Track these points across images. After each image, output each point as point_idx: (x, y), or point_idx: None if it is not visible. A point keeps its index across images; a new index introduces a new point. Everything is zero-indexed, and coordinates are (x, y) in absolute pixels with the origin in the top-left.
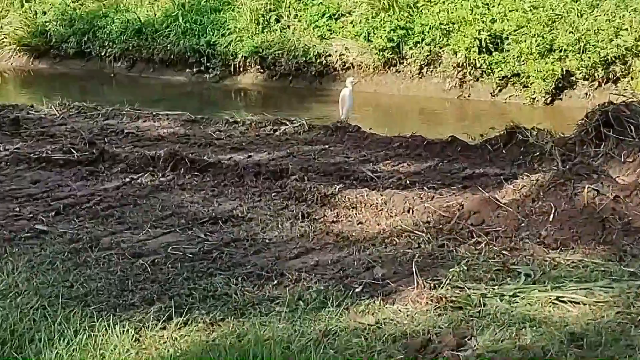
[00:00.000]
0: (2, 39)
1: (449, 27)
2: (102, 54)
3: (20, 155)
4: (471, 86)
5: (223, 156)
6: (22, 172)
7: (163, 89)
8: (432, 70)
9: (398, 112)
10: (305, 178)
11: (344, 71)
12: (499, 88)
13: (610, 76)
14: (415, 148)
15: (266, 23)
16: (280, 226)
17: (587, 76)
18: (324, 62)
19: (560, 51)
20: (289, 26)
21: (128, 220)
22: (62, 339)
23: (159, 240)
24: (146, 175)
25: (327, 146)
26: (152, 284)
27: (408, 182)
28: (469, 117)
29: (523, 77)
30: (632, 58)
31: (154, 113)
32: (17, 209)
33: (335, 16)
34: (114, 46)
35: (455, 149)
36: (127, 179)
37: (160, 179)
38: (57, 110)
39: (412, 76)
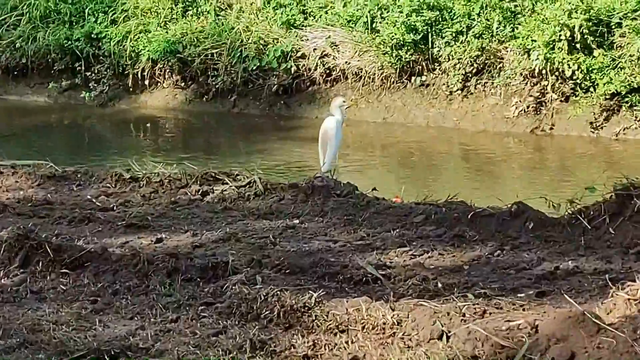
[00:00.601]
0: None
1: (515, 7)
2: None
3: None
4: (555, 111)
5: (112, 240)
6: None
7: (9, 119)
8: (485, 84)
9: (425, 158)
10: (258, 279)
11: (328, 85)
12: (604, 114)
13: None
14: (454, 224)
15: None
16: None
17: None
18: (294, 69)
19: None
20: (230, 5)
21: None
22: None
23: None
24: None
25: (296, 221)
26: None
27: (440, 285)
28: (549, 167)
29: None
30: None
31: None
32: None
33: None
34: None
35: (524, 225)
36: None
37: (2, 281)
38: None
39: (451, 94)
